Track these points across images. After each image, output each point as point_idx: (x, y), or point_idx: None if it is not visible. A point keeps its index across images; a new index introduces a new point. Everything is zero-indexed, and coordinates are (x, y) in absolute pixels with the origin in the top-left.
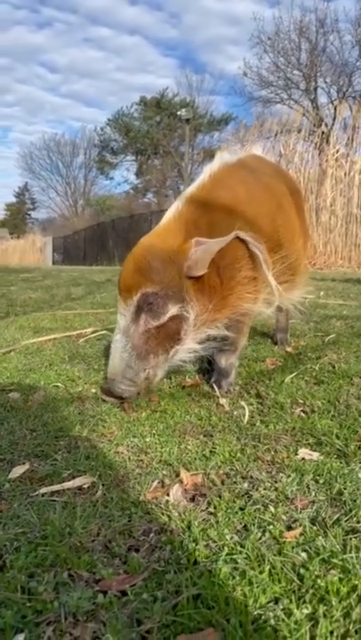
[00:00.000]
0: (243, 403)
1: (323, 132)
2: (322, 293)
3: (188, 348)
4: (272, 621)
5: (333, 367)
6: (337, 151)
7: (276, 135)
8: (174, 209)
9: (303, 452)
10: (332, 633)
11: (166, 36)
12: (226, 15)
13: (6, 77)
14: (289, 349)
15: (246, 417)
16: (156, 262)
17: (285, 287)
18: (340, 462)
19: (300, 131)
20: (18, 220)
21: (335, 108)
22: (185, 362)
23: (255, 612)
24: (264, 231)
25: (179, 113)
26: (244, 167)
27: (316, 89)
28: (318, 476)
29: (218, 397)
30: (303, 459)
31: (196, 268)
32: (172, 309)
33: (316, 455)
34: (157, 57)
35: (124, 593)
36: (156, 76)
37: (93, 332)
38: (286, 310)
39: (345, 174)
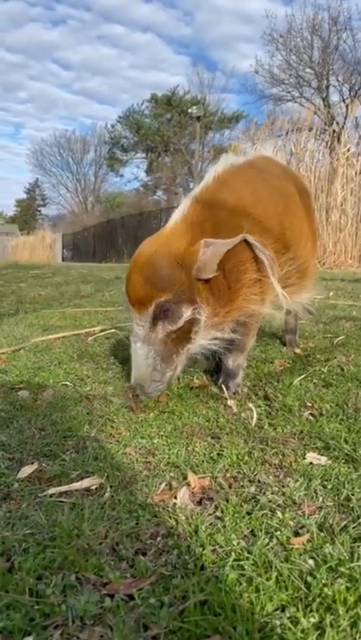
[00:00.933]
0: (251, 405)
1: (334, 131)
2: (331, 294)
3: (199, 344)
4: (278, 630)
5: (342, 369)
6: (348, 150)
7: (286, 133)
8: (180, 211)
9: (311, 457)
10: None
11: (180, 34)
12: (239, 13)
13: (20, 74)
14: (298, 351)
15: (254, 419)
16: (163, 270)
17: (293, 290)
18: (349, 467)
19: (311, 129)
20: (28, 217)
21: (347, 107)
22: (198, 354)
23: (262, 620)
24: (271, 233)
25: (190, 110)
26: (250, 168)
27: (328, 87)
28: (326, 481)
29: (226, 399)
30: (311, 463)
31: (205, 271)
32: (187, 312)
33: (324, 459)
34: (170, 54)
35: (131, 597)
36: (168, 74)
37: (102, 331)
38: (295, 312)
39: (356, 173)
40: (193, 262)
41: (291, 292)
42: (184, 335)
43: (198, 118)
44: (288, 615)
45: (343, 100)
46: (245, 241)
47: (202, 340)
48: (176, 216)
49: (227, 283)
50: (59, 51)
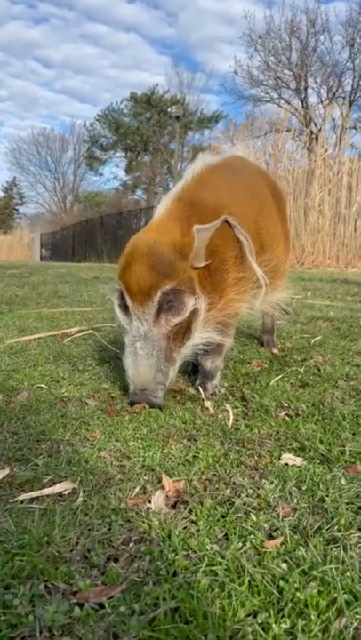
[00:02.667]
0: (227, 406)
1: (312, 132)
2: (309, 294)
3: (194, 343)
4: (250, 636)
5: (319, 370)
6: (325, 151)
7: (265, 134)
8: (164, 208)
9: (287, 458)
10: None
11: (162, 35)
12: (222, 15)
13: (0, 72)
14: (275, 351)
15: (231, 420)
16: (166, 257)
17: (267, 289)
18: (323, 468)
19: (289, 130)
20: (5, 216)
21: (325, 109)
22: (190, 355)
23: (233, 627)
24: (248, 233)
25: (169, 110)
26: (226, 168)
27: (306, 89)
28: (301, 482)
29: (203, 400)
30: (286, 464)
31: (196, 259)
32: (190, 302)
33: (299, 460)
34: (153, 55)
35: (101, 605)
36: (150, 74)
37: (79, 332)
38: (271, 312)
39: (333, 175)
40: (190, 251)
41: (265, 291)
42: (184, 330)
43: (178, 118)
44: (260, 621)
45: (321, 102)
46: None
47: (197, 337)
48: (161, 212)
49: (213, 282)
50: (40, 49)
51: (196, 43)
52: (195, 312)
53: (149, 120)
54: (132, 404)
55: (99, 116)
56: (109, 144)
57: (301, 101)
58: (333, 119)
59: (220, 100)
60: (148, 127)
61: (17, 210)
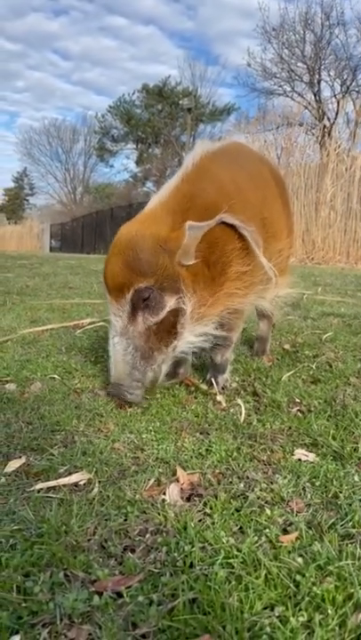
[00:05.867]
0: (239, 401)
1: (325, 126)
2: (320, 289)
3: (187, 341)
4: (268, 629)
5: (330, 366)
6: (339, 146)
7: (278, 128)
8: (157, 199)
9: (299, 453)
10: None
11: (181, 28)
12: (241, 8)
13: (19, 63)
14: (286, 346)
15: (243, 415)
16: (144, 253)
17: (266, 287)
18: (336, 464)
19: (301, 124)
20: (16, 206)
21: (338, 102)
22: (186, 353)
23: (251, 619)
24: (252, 223)
25: (181, 102)
26: (227, 155)
27: (319, 82)
28: (314, 478)
29: (215, 394)
30: (299, 460)
31: (184, 257)
32: (170, 302)
33: (312, 456)
34: (171, 48)
35: (119, 595)
36: (168, 67)
37: (91, 323)
38: (268, 317)
39: (346, 169)
40: (177, 247)
41: (263, 289)
42: (169, 329)
43: (189, 110)
44: (277, 614)
45: (335, 96)
46: (226, 225)
47: (190, 336)
48: (153, 203)
49: (212, 276)
50: (59, 41)
51: (215, 36)
52: (178, 311)
53: (161, 112)
54: (109, 395)
55: (110, 107)
56: (120, 135)
57: (315, 95)
58: (347, 113)
59: (232, 93)
60: (159, 119)
61: (27, 200)
